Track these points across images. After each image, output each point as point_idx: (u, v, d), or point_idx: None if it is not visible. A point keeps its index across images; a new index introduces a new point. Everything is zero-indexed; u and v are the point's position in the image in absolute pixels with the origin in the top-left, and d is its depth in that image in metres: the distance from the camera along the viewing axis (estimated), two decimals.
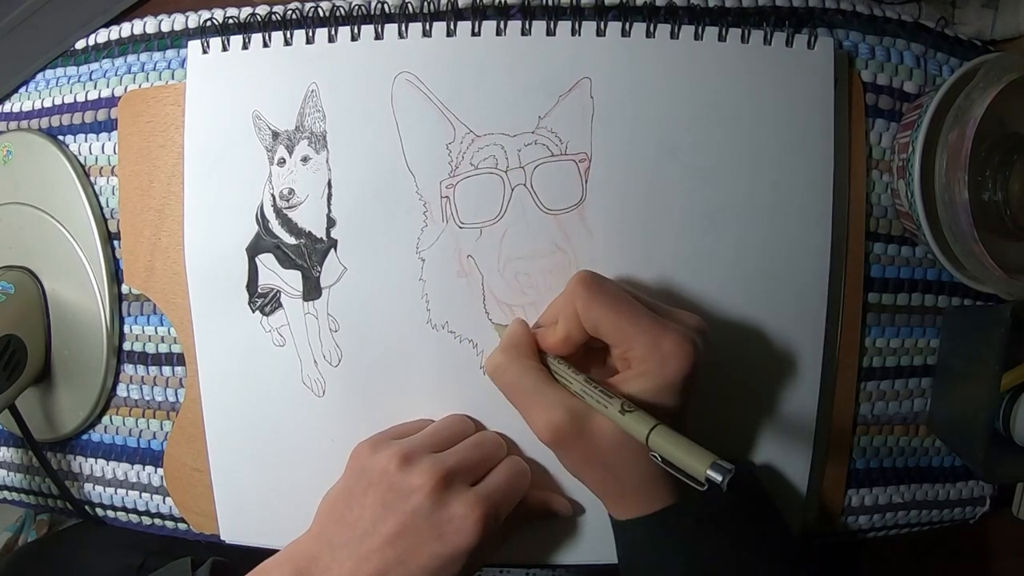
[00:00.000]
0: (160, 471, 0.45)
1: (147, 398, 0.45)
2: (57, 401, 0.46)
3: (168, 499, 0.45)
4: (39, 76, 0.46)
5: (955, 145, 0.35)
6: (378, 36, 0.39)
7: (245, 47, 0.40)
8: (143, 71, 0.43)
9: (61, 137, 0.45)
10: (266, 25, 0.40)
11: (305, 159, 0.40)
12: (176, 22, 0.43)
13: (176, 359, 0.44)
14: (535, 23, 0.38)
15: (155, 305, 0.44)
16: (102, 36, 0.44)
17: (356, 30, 0.39)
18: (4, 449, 0.50)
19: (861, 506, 0.43)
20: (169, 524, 0.46)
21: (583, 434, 0.32)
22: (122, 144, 0.43)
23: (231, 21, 0.41)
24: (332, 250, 0.40)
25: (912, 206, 0.38)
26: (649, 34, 0.38)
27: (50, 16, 0.44)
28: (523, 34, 0.38)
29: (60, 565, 0.49)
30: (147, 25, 0.43)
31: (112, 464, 0.46)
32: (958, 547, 0.51)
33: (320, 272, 0.40)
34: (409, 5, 0.39)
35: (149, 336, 0.44)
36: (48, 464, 0.46)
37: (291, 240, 0.40)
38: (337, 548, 0.35)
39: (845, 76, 0.40)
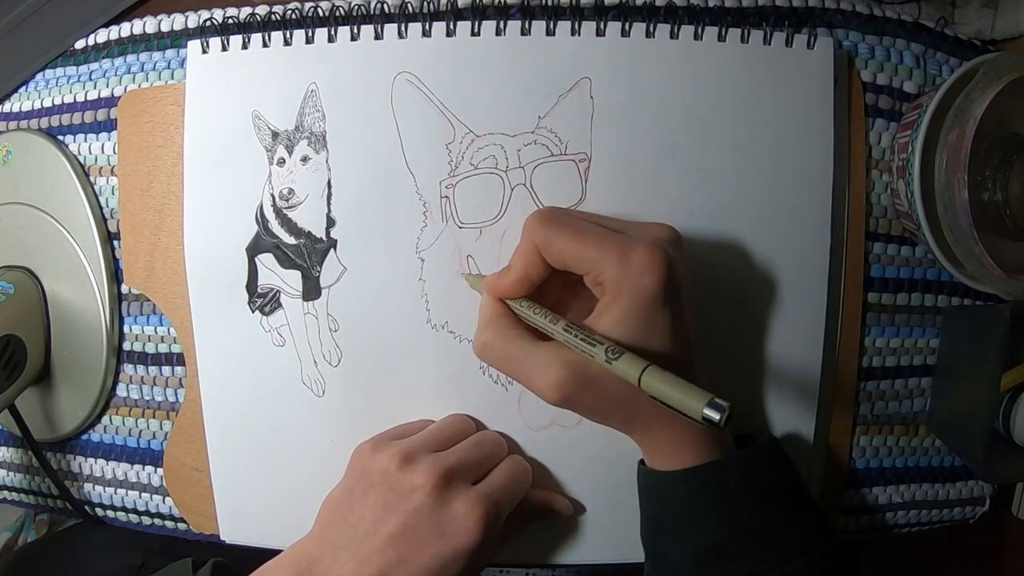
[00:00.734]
0: (160, 471, 0.45)
1: (147, 398, 0.45)
2: (57, 401, 0.46)
3: (168, 499, 0.45)
4: (39, 76, 0.46)
5: (955, 145, 0.35)
6: (378, 36, 0.39)
7: (245, 47, 0.40)
8: (143, 71, 0.43)
9: (61, 137, 0.45)
10: (266, 25, 0.40)
11: (305, 159, 0.40)
12: (176, 22, 0.43)
13: (176, 359, 0.44)
14: (535, 23, 0.38)
15: (155, 305, 0.44)
16: (102, 36, 0.44)
17: (356, 30, 0.39)
18: (4, 449, 0.50)
19: (861, 506, 0.43)
20: (169, 524, 0.46)
21: (588, 381, 0.31)
22: (122, 144, 0.43)
23: (231, 21, 0.41)
24: (332, 250, 0.40)
25: (912, 206, 0.38)
26: (649, 34, 0.38)
27: (50, 16, 0.44)
28: (523, 34, 0.38)
29: (60, 565, 0.49)
30: (147, 25, 0.43)
31: (112, 464, 0.46)
32: (958, 547, 0.51)
33: (320, 272, 0.40)
34: (409, 5, 0.39)
35: (149, 336, 0.44)
36: (48, 464, 0.46)
37: (291, 240, 0.40)
38: (339, 549, 0.35)
39: (845, 76, 0.40)
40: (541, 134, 0.39)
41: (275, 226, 0.40)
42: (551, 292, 0.35)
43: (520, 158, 0.39)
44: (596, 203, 0.39)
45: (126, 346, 0.45)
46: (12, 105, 0.47)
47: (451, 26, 0.39)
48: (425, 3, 0.39)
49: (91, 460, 0.47)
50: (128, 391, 0.45)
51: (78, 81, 0.45)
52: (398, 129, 0.39)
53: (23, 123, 0.47)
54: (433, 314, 0.40)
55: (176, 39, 0.43)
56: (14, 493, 0.50)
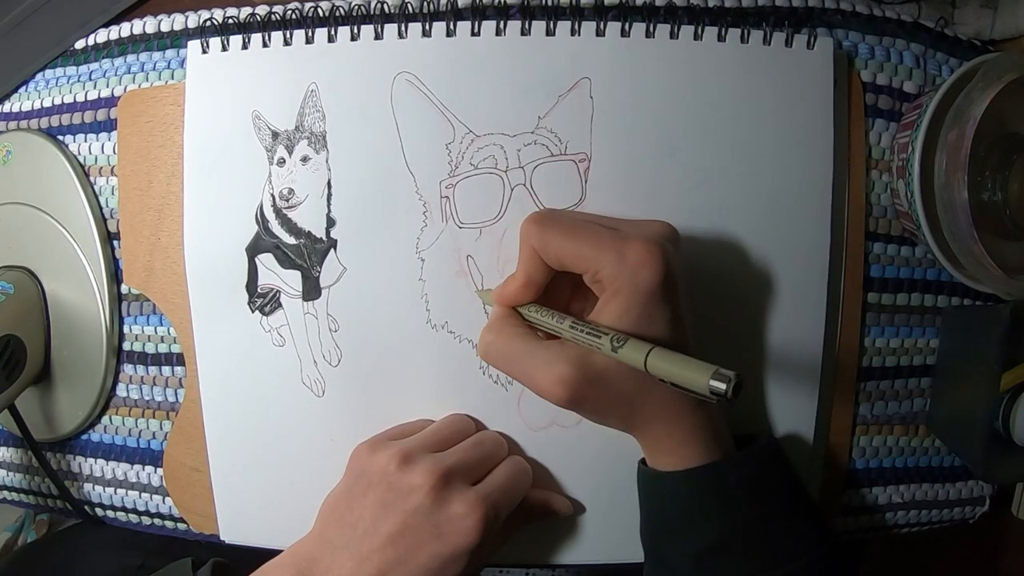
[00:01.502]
0: (160, 471, 0.45)
1: (147, 398, 0.45)
2: (57, 401, 0.46)
3: (168, 499, 0.45)
4: (39, 76, 0.46)
5: (955, 145, 0.35)
6: (378, 36, 0.39)
7: (245, 47, 0.40)
8: (143, 71, 0.43)
9: (61, 137, 0.45)
10: (266, 25, 0.40)
11: (305, 159, 0.40)
12: (176, 22, 0.43)
13: (176, 359, 0.44)
14: (535, 23, 0.38)
15: (155, 305, 0.44)
16: (102, 36, 0.44)
17: (356, 30, 0.39)
18: (4, 449, 0.50)
19: (861, 506, 0.43)
20: (169, 524, 0.46)
21: (592, 378, 0.31)
22: (121, 144, 0.43)
23: (231, 21, 0.41)
24: (332, 250, 0.40)
25: (912, 206, 0.38)
26: (649, 34, 0.38)
27: (50, 16, 0.44)
28: (523, 34, 0.38)
29: (60, 565, 0.49)
30: (147, 25, 0.43)
31: (112, 464, 0.46)
32: (958, 547, 0.51)
33: (320, 272, 0.40)
34: (409, 5, 0.39)
35: (149, 336, 0.44)
36: (48, 464, 0.46)
37: (291, 240, 0.40)
38: (338, 549, 0.35)
39: (845, 76, 0.40)
40: (541, 134, 0.39)
41: (275, 226, 0.40)
42: (561, 297, 0.36)
43: (520, 158, 0.39)
44: (596, 203, 0.39)
45: (126, 346, 0.45)
46: (12, 105, 0.47)
47: (451, 26, 0.39)
48: (425, 3, 0.39)
49: (91, 460, 0.47)
50: (128, 391, 0.45)
51: (78, 81, 0.45)
52: (398, 129, 0.39)
53: (23, 123, 0.47)
54: (433, 314, 0.40)
55: (176, 39, 0.43)
56: (14, 493, 0.50)
